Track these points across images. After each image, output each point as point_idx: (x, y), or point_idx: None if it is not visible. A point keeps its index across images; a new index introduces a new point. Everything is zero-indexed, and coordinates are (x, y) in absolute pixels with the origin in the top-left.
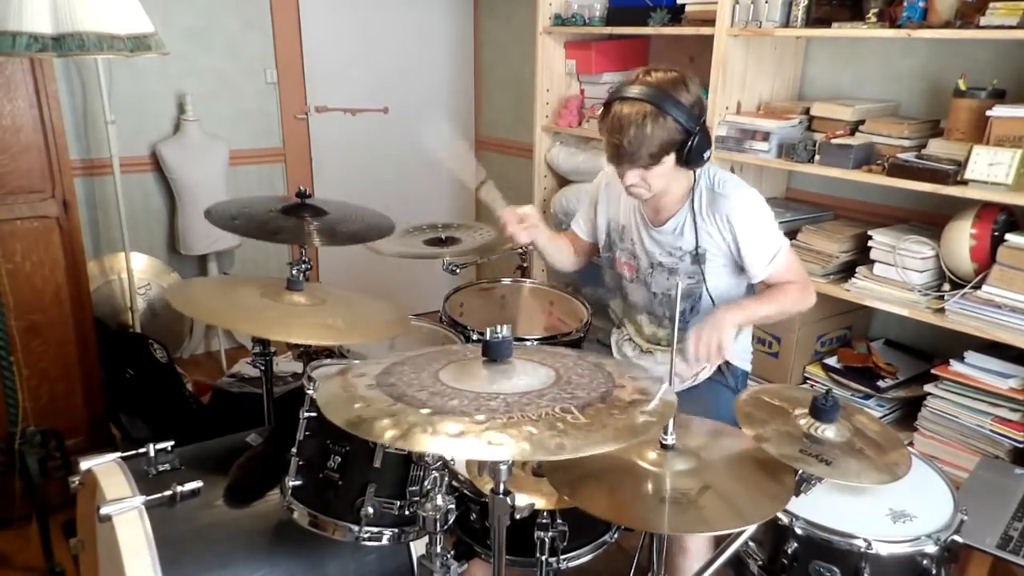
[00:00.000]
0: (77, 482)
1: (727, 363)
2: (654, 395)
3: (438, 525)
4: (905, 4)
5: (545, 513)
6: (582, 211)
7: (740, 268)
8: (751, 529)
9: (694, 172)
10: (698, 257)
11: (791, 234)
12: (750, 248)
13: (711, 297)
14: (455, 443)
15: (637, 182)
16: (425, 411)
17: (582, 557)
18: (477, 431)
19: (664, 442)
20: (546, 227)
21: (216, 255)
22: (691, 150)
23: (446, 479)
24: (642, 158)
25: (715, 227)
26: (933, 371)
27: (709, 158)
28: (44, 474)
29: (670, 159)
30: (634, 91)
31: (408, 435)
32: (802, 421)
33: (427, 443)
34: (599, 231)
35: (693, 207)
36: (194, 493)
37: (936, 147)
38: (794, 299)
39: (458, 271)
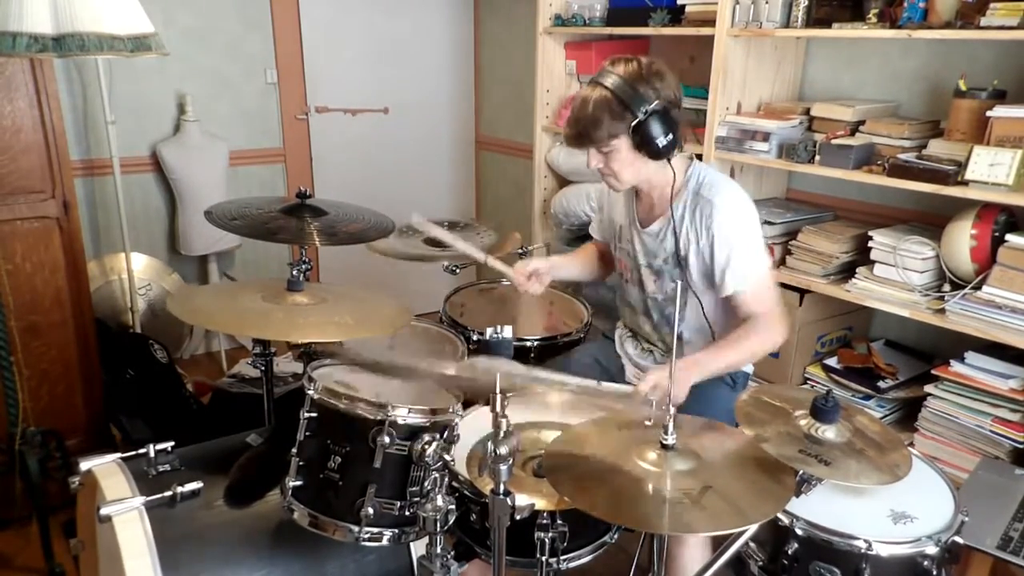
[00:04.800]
0: (77, 482)
1: None
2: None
3: (438, 526)
4: (905, 5)
5: (545, 514)
6: (595, 215)
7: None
8: (752, 529)
9: (672, 168)
10: (679, 261)
11: (791, 235)
12: (722, 259)
13: (699, 299)
14: None
15: (601, 167)
16: None
17: (582, 557)
18: None
19: (664, 442)
20: (559, 260)
21: (216, 255)
22: (642, 134)
23: (446, 480)
24: (590, 139)
25: (695, 231)
26: (933, 372)
27: (670, 146)
28: (44, 474)
29: (621, 144)
30: (595, 78)
31: None
32: (802, 422)
33: None
34: (606, 231)
35: (675, 212)
36: (194, 494)
37: (936, 147)
38: (761, 340)
39: (458, 271)
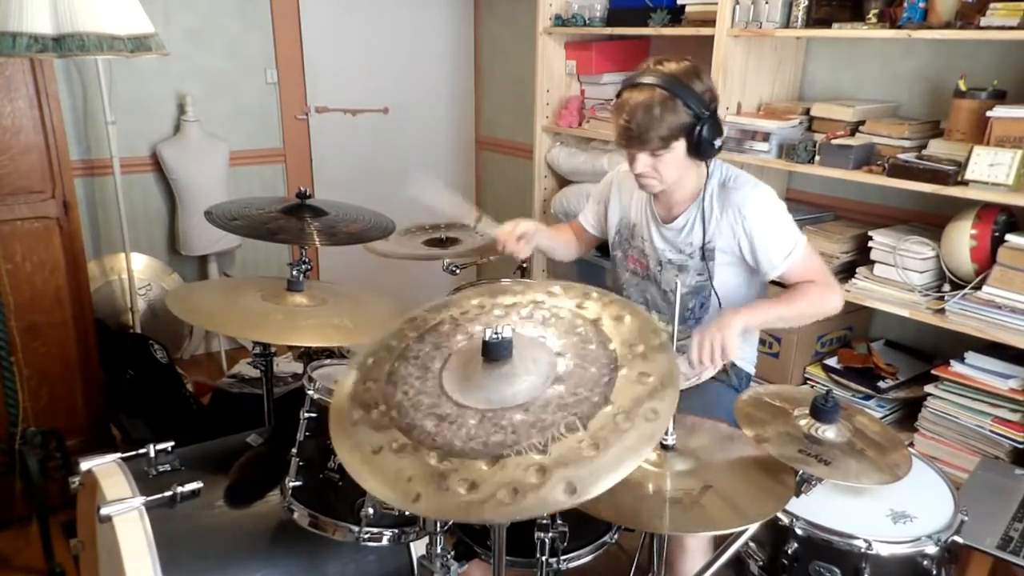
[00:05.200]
0: (77, 482)
1: (732, 363)
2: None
3: (438, 525)
4: (905, 5)
5: (545, 514)
6: (590, 206)
7: (750, 267)
8: (752, 529)
9: (706, 168)
10: (706, 254)
11: None
12: (764, 241)
13: (717, 296)
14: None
15: (647, 171)
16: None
17: (582, 558)
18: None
19: (664, 443)
20: (544, 228)
21: (216, 256)
22: (701, 137)
23: None
24: (651, 141)
25: (727, 222)
26: (933, 372)
27: (720, 148)
28: (44, 474)
29: (680, 145)
30: (647, 78)
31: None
32: (802, 422)
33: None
34: (609, 228)
35: (704, 203)
36: (194, 494)
37: (936, 148)
38: (814, 300)
39: (458, 271)
